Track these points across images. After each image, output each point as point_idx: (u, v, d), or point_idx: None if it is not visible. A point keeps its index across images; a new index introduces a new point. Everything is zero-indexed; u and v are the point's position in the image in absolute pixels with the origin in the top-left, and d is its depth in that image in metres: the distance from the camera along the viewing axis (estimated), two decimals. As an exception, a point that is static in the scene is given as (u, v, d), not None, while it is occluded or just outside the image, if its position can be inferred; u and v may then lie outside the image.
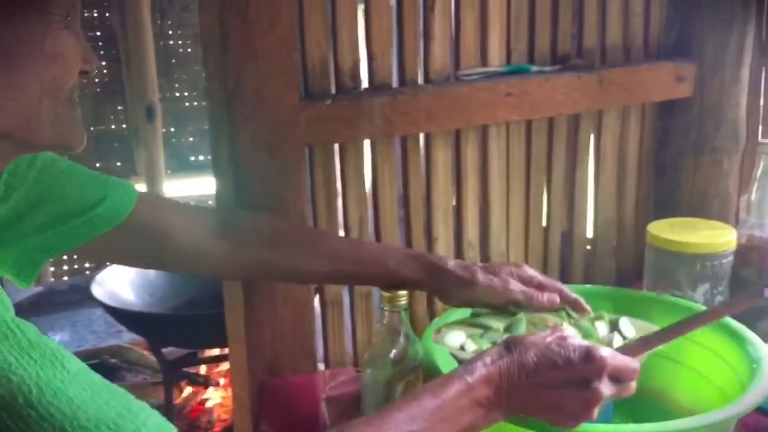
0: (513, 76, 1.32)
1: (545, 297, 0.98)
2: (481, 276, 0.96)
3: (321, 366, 1.28)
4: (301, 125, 1.11)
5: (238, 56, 1.04)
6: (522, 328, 0.95)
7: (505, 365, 0.74)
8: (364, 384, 1.02)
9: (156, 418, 0.61)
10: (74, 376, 0.57)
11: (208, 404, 2.22)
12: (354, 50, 1.21)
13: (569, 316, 0.99)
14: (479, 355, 0.76)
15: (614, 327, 0.99)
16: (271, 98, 1.07)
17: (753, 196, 1.28)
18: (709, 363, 1.08)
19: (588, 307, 1.00)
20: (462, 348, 0.92)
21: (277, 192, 1.11)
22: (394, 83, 1.26)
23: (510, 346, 0.76)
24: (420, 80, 1.28)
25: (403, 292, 1.01)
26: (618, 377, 0.76)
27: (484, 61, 1.33)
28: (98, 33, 3.47)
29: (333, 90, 1.20)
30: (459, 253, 1.37)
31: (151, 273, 2.05)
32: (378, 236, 1.30)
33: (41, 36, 0.68)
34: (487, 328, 0.96)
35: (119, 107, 3.56)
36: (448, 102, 1.24)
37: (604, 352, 0.75)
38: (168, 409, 1.90)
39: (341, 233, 1.27)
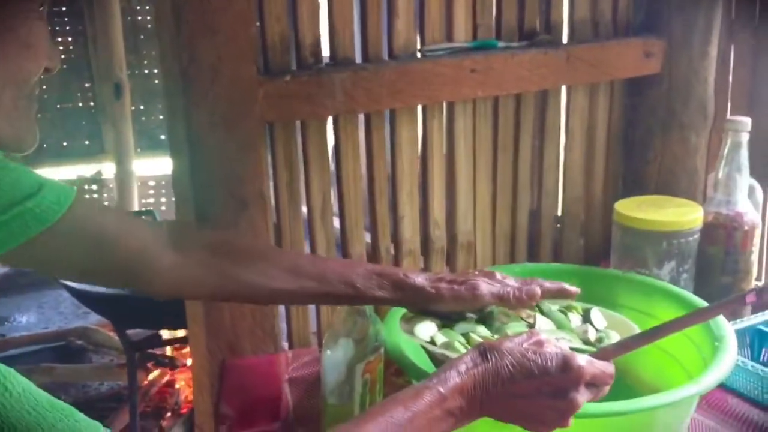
0: (478, 52, 1.31)
1: (524, 291, 0.93)
2: (446, 289, 0.92)
3: (286, 346, 1.27)
4: (259, 101, 1.09)
5: (193, 30, 1.02)
6: (494, 317, 0.94)
7: (479, 374, 0.72)
8: (324, 364, 1.00)
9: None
10: (17, 398, 0.55)
11: (175, 386, 2.21)
12: (315, 25, 1.18)
13: (540, 309, 0.98)
14: (453, 362, 0.75)
15: (586, 318, 0.98)
16: (227, 74, 1.05)
17: (720, 174, 1.28)
18: (674, 341, 1.08)
19: (574, 288, 0.97)
20: (432, 341, 0.90)
21: (235, 170, 1.09)
22: (358, 59, 1.24)
23: (485, 352, 0.74)
24: (384, 56, 1.26)
25: (365, 272, 1.00)
26: (595, 383, 0.76)
27: (449, 36, 1.31)
28: (63, 8, 3.39)
29: (294, 66, 1.18)
30: (425, 231, 1.36)
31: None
32: (342, 215, 1.28)
33: (20, 24, 0.67)
34: (459, 319, 0.94)
35: (86, 84, 3.49)
36: (412, 78, 1.22)
37: (581, 360, 0.74)
38: (131, 390, 1.89)
39: (303, 211, 1.26)
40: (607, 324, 0.98)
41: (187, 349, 2.25)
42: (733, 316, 1.26)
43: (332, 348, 1.00)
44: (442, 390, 0.71)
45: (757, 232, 1.29)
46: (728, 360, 0.91)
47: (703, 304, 1.06)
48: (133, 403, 1.90)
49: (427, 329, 0.92)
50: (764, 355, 1.21)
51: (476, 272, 0.96)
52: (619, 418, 0.84)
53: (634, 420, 0.87)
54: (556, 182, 1.50)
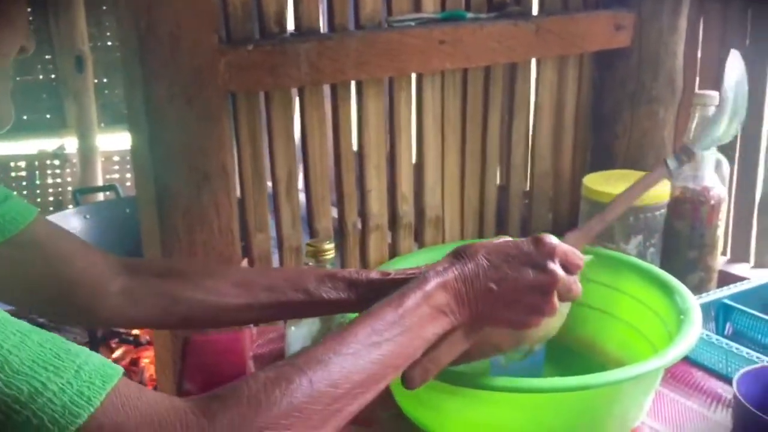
0: (447, 23, 1.29)
1: None
2: (401, 280, 0.87)
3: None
4: (221, 71, 1.06)
5: (151, -4, 0.99)
6: None
7: (459, 269, 0.72)
8: (289, 341, 0.99)
9: (98, 357, 0.56)
10: None
11: (140, 363, 2.19)
12: (279, -7, 1.16)
13: None
14: (428, 267, 0.74)
15: None
16: (187, 42, 1.02)
17: (687, 148, 1.28)
18: (639, 314, 1.09)
19: None
20: None
21: (197, 143, 1.06)
22: (323, 29, 1.22)
23: (458, 253, 0.75)
24: (351, 26, 1.24)
25: (329, 246, 0.98)
26: (567, 266, 0.75)
27: (417, 6, 1.29)
28: (22, -23, 3.30)
29: (257, 35, 1.15)
30: (393, 207, 1.35)
31: (77, 229, 1.99)
32: (308, 190, 1.26)
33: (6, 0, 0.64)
34: None
35: (47, 56, 3.40)
36: (379, 49, 1.20)
37: (552, 238, 0.75)
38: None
39: (269, 186, 1.24)
40: None
41: (151, 327, 2.23)
42: (698, 290, 1.27)
43: (297, 324, 0.99)
44: (426, 288, 0.70)
45: (723, 207, 1.30)
46: (693, 333, 0.91)
47: (670, 278, 1.07)
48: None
49: None
50: (729, 329, 1.23)
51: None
52: (585, 392, 0.84)
53: (600, 394, 0.87)
54: (525, 156, 1.49)
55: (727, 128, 0.90)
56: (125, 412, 0.54)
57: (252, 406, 0.57)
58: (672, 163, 0.83)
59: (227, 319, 0.91)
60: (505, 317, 0.74)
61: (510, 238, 0.80)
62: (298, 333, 0.99)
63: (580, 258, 0.77)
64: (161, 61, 1.01)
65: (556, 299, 0.73)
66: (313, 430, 0.60)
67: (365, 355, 0.64)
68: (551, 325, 0.84)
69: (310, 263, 0.99)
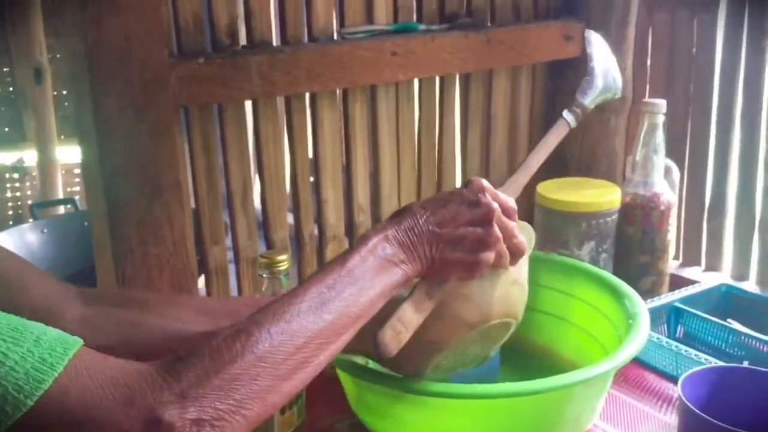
0: (399, 34, 1.30)
1: None
2: None
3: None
4: (172, 85, 1.05)
5: (99, 8, 0.98)
6: None
7: (396, 223, 0.73)
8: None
9: (56, 330, 0.57)
10: None
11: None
12: (231, 5, 1.15)
13: None
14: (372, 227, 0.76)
15: None
16: (137, 55, 1.01)
17: (637, 155, 1.30)
18: (592, 319, 1.10)
19: None
20: None
21: (148, 157, 1.05)
22: (276, 41, 1.22)
23: (394, 213, 0.76)
24: (304, 38, 1.24)
25: (283, 257, 0.98)
26: (501, 207, 0.76)
27: (370, 18, 1.30)
28: (-23, -11, 3.25)
29: (209, 48, 1.15)
30: (349, 216, 1.35)
31: (34, 243, 1.96)
32: (264, 202, 1.26)
33: None
34: None
35: (5, 69, 3.34)
36: (331, 61, 1.21)
37: (480, 179, 0.77)
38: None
39: (224, 198, 1.23)
40: None
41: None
42: (650, 293, 1.29)
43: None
44: (367, 244, 0.70)
45: (673, 212, 1.32)
46: (640, 336, 0.92)
47: (620, 282, 1.08)
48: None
49: None
50: (680, 332, 1.25)
51: None
52: (537, 396, 0.85)
53: (552, 397, 0.88)
54: (481, 164, 1.51)
55: (604, 88, 0.95)
56: (90, 375, 0.55)
57: (215, 361, 0.58)
58: (569, 117, 0.92)
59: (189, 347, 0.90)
60: (455, 258, 0.74)
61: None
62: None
63: (512, 201, 0.79)
64: (110, 74, 1.00)
65: (497, 230, 0.74)
66: (283, 381, 0.61)
67: (319, 307, 0.65)
68: (515, 297, 0.83)
69: (264, 275, 0.98)
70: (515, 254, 0.78)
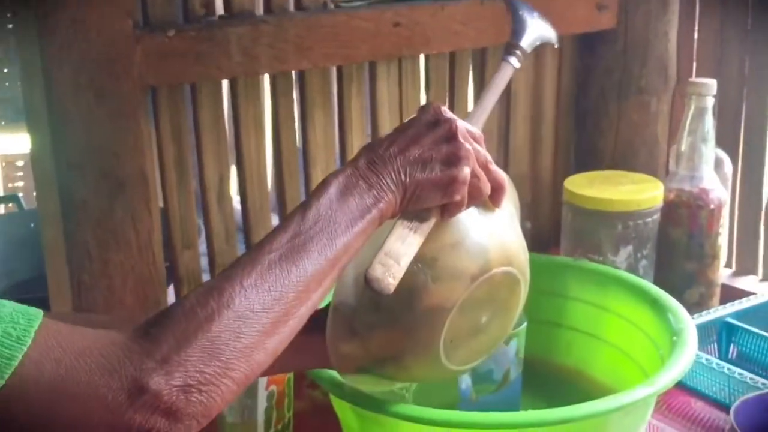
0: (402, 2, 1.31)
1: None
2: None
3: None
4: (137, 62, 1.07)
5: (51, -28, 0.99)
6: None
7: (356, 158, 0.76)
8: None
9: (12, 302, 0.60)
10: None
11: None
12: (205, -32, 1.17)
13: None
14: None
15: None
16: (95, 27, 1.03)
17: (683, 145, 1.32)
18: (629, 336, 1.11)
19: None
20: None
21: (108, 144, 1.07)
22: (259, 11, 1.23)
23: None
24: (290, 7, 1.25)
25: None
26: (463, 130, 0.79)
27: (369, -17, 1.31)
28: None
29: (180, 19, 1.16)
30: (344, 217, 1.36)
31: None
32: (244, 197, 1.27)
33: None
34: None
35: (-67, 44, 3.38)
36: (324, 34, 1.22)
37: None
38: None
39: (197, 196, 1.24)
40: None
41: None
42: (698, 307, 1.30)
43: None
44: (327, 186, 0.73)
45: (725, 212, 1.33)
46: (686, 356, 0.93)
47: (663, 294, 1.09)
48: None
49: None
50: (733, 352, 1.26)
51: None
52: (566, 425, 0.86)
53: (583, 427, 0.89)
54: (499, 156, 1.52)
55: (538, 33, 0.99)
56: (61, 347, 0.58)
57: (191, 321, 0.61)
58: (512, 59, 0.93)
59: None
60: (428, 180, 0.76)
61: None
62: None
63: (476, 129, 0.82)
64: (64, 48, 1.01)
65: (465, 144, 0.77)
66: (267, 336, 0.65)
67: (290, 256, 0.68)
68: (512, 243, 0.85)
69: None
70: (496, 187, 0.81)
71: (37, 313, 0.59)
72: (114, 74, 1.05)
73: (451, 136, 0.77)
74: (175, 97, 1.17)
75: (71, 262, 1.08)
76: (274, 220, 1.32)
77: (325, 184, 0.74)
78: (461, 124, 0.78)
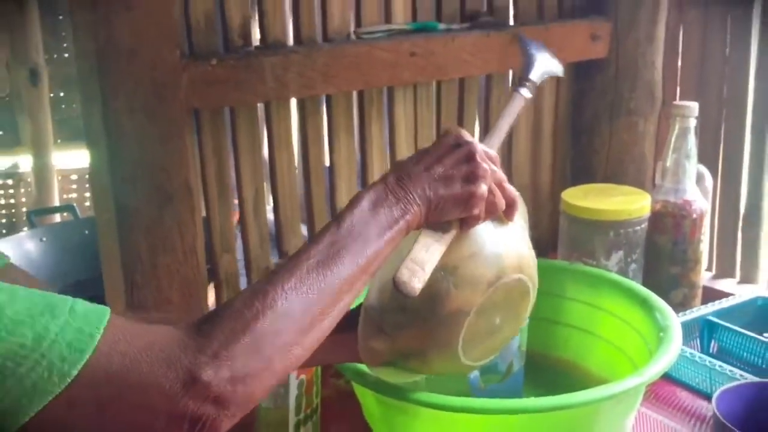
0: (418, 34, 1.32)
1: None
2: None
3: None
4: (183, 87, 1.08)
5: (110, 6, 1.00)
6: None
7: (385, 175, 0.78)
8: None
9: (83, 301, 0.62)
10: None
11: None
12: (244, 4, 1.18)
13: None
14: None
15: None
16: (148, 56, 1.04)
17: (668, 161, 1.32)
18: (620, 333, 1.12)
19: None
20: None
21: (159, 161, 1.08)
22: (290, 41, 1.24)
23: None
24: (318, 38, 1.26)
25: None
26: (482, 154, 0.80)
27: (387, 17, 1.32)
28: (-29, -14, 3.30)
29: (221, 49, 1.17)
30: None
31: (33, 252, 1.99)
32: (276, 208, 1.28)
33: None
34: None
35: (-1, 70, 3.40)
36: (347, 62, 1.23)
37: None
38: None
39: (235, 205, 1.26)
40: None
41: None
42: (682, 306, 1.30)
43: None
44: (360, 199, 0.74)
45: (706, 221, 1.34)
46: (672, 350, 0.94)
47: (651, 294, 1.10)
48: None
49: None
50: (714, 347, 1.26)
51: None
52: (564, 412, 0.87)
53: (579, 413, 0.90)
54: (502, 170, 1.52)
55: (546, 68, 1.00)
56: (126, 341, 0.60)
57: (239, 320, 0.63)
58: (524, 91, 0.94)
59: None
60: (450, 195, 0.78)
61: None
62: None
63: (492, 151, 0.84)
64: (120, 75, 1.03)
65: (484, 164, 0.79)
66: (304, 334, 0.67)
67: (326, 263, 0.69)
68: (524, 253, 0.87)
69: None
70: (509, 203, 0.84)
71: (105, 311, 0.61)
72: (163, 99, 1.06)
73: (471, 157, 0.78)
74: (216, 118, 1.19)
75: (125, 265, 1.09)
76: (303, 229, 1.33)
77: (358, 197, 0.75)
78: (479, 147, 0.80)
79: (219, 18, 1.17)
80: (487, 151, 0.82)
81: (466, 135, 0.81)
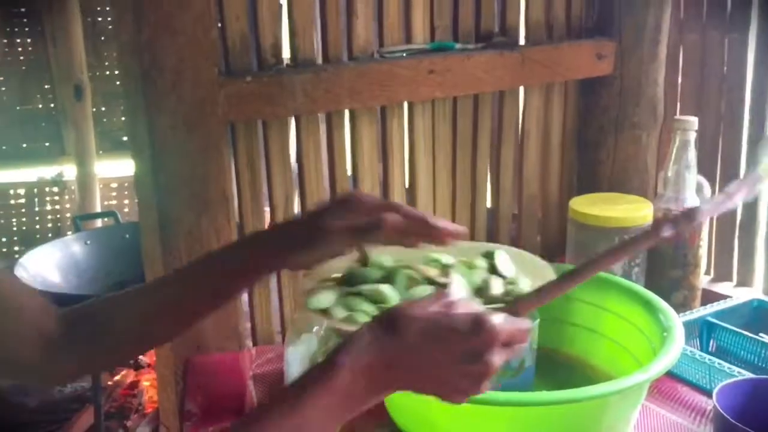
0: (436, 53, 1.33)
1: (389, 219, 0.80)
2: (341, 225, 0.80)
3: (249, 344, 1.28)
4: (221, 102, 1.09)
5: (155, 31, 1.02)
6: (402, 283, 0.84)
7: (378, 349, 0.64)
8: (288, 360, 1.02)
9: None
10: None
11: (139, 386, 2.20)
12: (275, 26, 1.20)
13: (440, 262, 0.90)
14: (353, 336, 0.65)
15: (491, 265, 0.91)
16: (189, 75, 1.06)
17: (669, 172, 1.32)
18: (625, 332, 1.12)
19: (457, 230, 0.84)
20: (329, 313, 0.81)
21: (199, 171, 1.09)
22: (318, 60, 1.26)
23: (389, 323, 0.65)
24: (344, 57, 1.28)
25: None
26: (510, 343, 0.68)
27: (408, 38, 1.33)
28: (22, 9, 3.34)
29: (255, 67, 1.19)
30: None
31: (78, 254, 2.01)
32: (304, 213, 1.29)
33: None
34: (360, 282, 0.84)
35: (46, 86, 3.43)
36: (371, 79, 1.24)
37: (496, 319, 0.67)
38: (95, 391, 1.87)
39: (266, 211, 1.27)
40: (515, 268, 0.91)
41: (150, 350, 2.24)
42: (683, 308, 1.30)
43: (295, 343, 1.02)
44: (332, 375, 0.62)
45: (705, 228, 1.33)
46: (675, 349, 0.94)
47: (653, 296, 1.10)
48: (98, 403, 1.89)
49: (325, 299, 0.82)
50: (712, 345, 1.26)
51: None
52: (573, 405, 0.87)
53: (588, 407, 0.90)
54: (514, 180, 1.53)
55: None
56: None
57: None
58: (668, 230, 0.79)
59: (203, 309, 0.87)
60: (426, 391, 0.67)
61: (452, 299, 0.69)
62: (296, 353, 1.01)
63: (526, 332, 0.70)
64: (164, 93, 1.05)
65: (487, 384, 0.67)
66: None
67: None
68: None
69: (309, 284, 1.02)
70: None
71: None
72: (203, 113, 1.08)
73: (479, 380, 0.65)
74: (250, 130, 1.20)
75: (166, 266, 1.11)
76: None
77: (332, 369, 0.62)
78: (505, 331, 0.66)
79: (252, 39, 1.18)
80: (515, 338, 0.67)
81: (496, 343, 0.65)
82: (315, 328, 1.01)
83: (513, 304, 0.77)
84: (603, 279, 1.19)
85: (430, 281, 0.86)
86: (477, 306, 0.71)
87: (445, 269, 0.88)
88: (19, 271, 1.84)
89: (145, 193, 1.10)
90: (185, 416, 1.09)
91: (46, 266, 1.92)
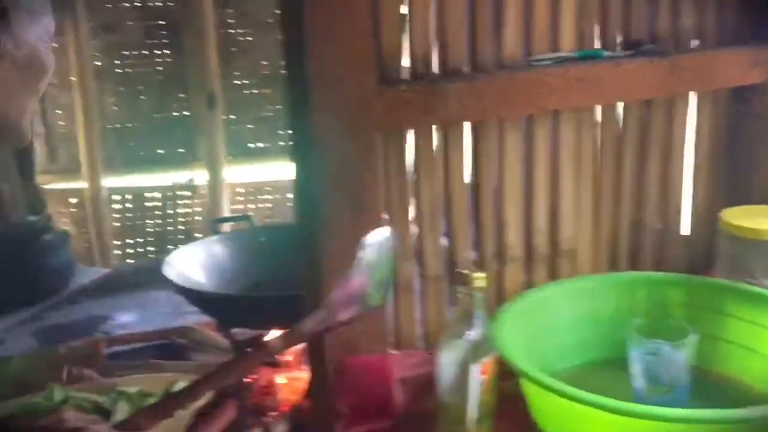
0: (584, 61, 1.32)
1: None
2: None
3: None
4: (378, 110, 1.13)
5: (319, 41, 1.06)
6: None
7: None
8: (441, 365, 1.03)
9: None
10: None
11: (275, 385, 2.26)
12: (427, 36, 1.22)
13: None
14: None
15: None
16: (350, 84, 1.09)
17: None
18: (749, 334, 1.08)
19: None
20: None
21: (356, 176, 1.13)
22: (466, 68, 1.27)
23: None
24: (491, 66, 1.28)
25: (480, 275, 1.03)
26: None
27: (556, 46, 1.33)
28: (162, 22, 3.55)
29: (405, 76, 1.21)
30: (528, 239, 1.38)
31: (220, 255, 2.11)
32: (449, 222, 1.31)
33: None
34: None
35: (181, 95, 3.62)
36: (520, 88, 1.24)
37: (99, 428, 0.77)
38: (239, 387, 1.94)
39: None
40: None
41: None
42: None
43: (448, 348, 1.03)
44: None
45: None
46: None
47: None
48: (241, 399, 1.95)
49: None
50: None
51: None
52: (741, 425, 0.85)
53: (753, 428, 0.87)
54: (659, 192, 1.49)
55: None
56: None
57: None
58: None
59: None
60: None
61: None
62: (450, 357, 1.03)
63: None
64: (327, 100, 1.09)
65: None
66: None
67: None
68: None
69: (460, 291, 1.03)
70: None
71: None
72: (361, 121, 1.12)
73: None
74: (400, 139, 1.23)
75: (324, 265, 1.14)
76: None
77: None
78: None
79: (405, 48, 1.21)
80: None
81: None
82: (468, 334, 1.02)
83: (124, 422, 0.87)
84: (758, 295, 1.15)
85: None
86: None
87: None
88: (167, 269, 1.94)
89: (305, 196, 1.15)
90: (336, 416, 1.12)
91: (190, 265, 2.01)
